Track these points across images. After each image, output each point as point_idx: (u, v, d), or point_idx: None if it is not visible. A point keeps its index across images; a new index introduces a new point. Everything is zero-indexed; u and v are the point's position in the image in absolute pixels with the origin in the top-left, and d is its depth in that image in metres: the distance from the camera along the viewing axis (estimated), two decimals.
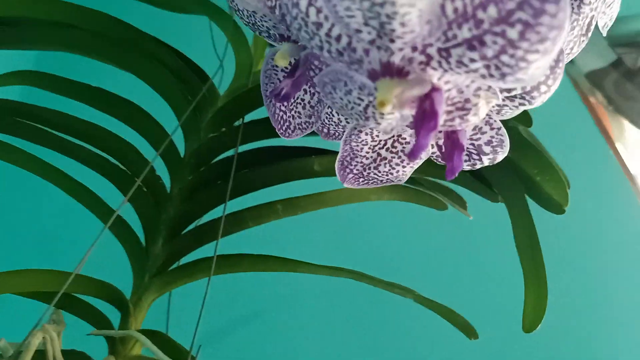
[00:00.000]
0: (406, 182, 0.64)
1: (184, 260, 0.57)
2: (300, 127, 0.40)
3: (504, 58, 0.23)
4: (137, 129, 0.62)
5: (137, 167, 0.59)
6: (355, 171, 0.39)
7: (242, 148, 0.62)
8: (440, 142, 0.37)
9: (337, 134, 0.49)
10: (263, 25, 0.37)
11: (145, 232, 0.57)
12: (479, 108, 0.29)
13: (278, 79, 0.40)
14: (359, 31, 0.25)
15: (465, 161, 0.38)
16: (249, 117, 0.64)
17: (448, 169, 0.34)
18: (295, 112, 0.40)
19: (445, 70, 0.25)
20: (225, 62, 0.81)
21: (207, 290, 0.53)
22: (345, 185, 0.40)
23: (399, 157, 0.38)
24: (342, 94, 0.29)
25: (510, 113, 0.35)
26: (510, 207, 0.52)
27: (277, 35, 0.36)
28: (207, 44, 0.85)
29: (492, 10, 0.22)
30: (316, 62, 0.33)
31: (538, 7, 0.21)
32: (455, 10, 0.23)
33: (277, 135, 0.64)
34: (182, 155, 0.62)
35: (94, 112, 0.62)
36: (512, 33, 0.22)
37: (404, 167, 0.38)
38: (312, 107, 0.39)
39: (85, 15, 0.58)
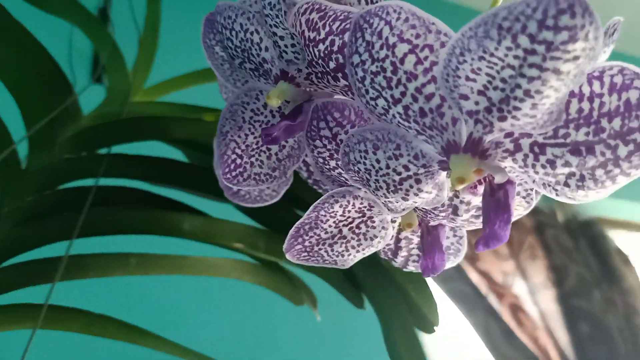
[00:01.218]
0: (269, 267, 0.60)
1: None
2: (258, 178, 0.35)
3: (599, 172, 0.23)
4: None
5: None
6: (307, 243, 0.34)
7: (103, 181, 0.52)
8: (403, 234, 0.35)
9: (247, 196, 0.44)
10: (259, 55, 0.32)
11: None
12: None
13: (243, 117, 0.35)
14: (464, 97, 0.23)
15: (414, 261, 0.37)
16: (116, 150, 0.54)
17: (426, 267, 0.32)
18: (256, 159, 0.35)
19: (523, 167, 0.24)
20: (83, 81, 0.70)
21: (28, 346, 0.40)
22: (287, 255, 0.35)
23: (358, 240, 0.35)
24: (384, 157, 0.26)
25: (469, 227, 0.36)
26: (384, 318, 0.52)
27: (277, 73, 0.32)
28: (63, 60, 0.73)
29: (616, 123, 0.22)
30: (337, 115, 0.29)
31: None
32: (580, 111, 0.22)
33: (147, 178, 0.56)
34: (22, 168, 0.50)
35: None
36: (622, 151, 0.22)
37: (357, 251, 0.35)
38: (279, 160, 0.35)
39: None
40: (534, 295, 1.22)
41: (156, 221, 0.52)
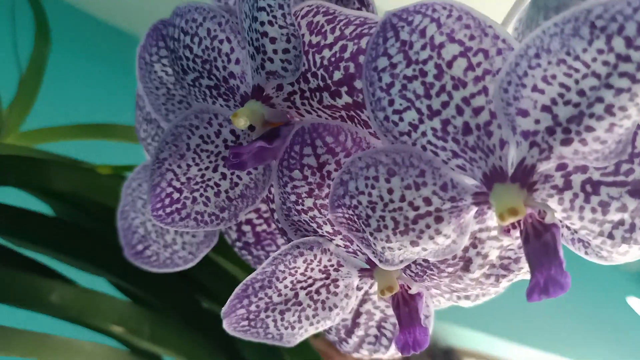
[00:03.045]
0: None
1: None
2: (200, 218, 0.28)
3: None
4: None
5: None
6: (253, 307, 0.27)
7: None
8: (365, 307, 0.30)
9: (154, 258, 0.36)
10: (225, 69, 0.27)
11: None
12: (516, 275, 0.24)
13: (188, 144, 0.28)
14: (523, 113, 0.19)
15: (370, 343, 0.30)
16: None
17: (405, 343, 0.26)
18: (200, 195, 0.28)
19: (568, 210, 0.21)
20: None
21: None
22: (225, 322, 0.27)
23: (315, 309, 0.28)
24: (400, 185, 0.21)
25: (443, 304, 0.31)
26: None
27: (246, 91, 0.26)
28: None
29: None
30: (329, 139, 0.24)
31: None
32: None
33: (9, 234, 0.44)
34: None
35: None
36: None
37: (310, 324, 0.28)
38: (229, 199, 0.28)
39: None
40: None
41: (15, 286, 0.41)
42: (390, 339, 0.30)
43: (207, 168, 0.28)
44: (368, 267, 0.27)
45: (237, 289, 0.27)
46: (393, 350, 0.31)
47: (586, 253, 0.22)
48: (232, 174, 0.28)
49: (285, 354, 0.49)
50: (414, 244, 0.22)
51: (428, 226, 0.22)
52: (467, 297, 0.30)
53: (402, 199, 0.21)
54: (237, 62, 0.27)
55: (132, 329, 0.45)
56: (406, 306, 0.27)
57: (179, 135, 0.28)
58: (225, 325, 0.27)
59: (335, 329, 0.30)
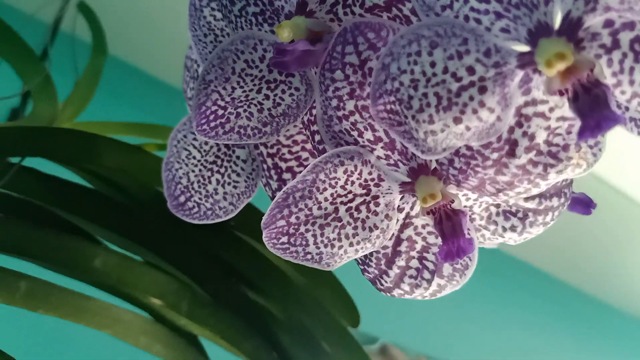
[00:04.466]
0: (186, 340, 0.48)
1: None
2: (243, 132, 0.28)
3: None
4: None
5: None
6: (293, 219, 0.27)
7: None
8: (407, 233, 0.29)
9: (195, 209, 0.36)
10: None
11: None
12: (567, 166, 0.23)
13: (233, 68, 0.29)
14: None
15: (411, 277, 0.29)
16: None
17: (449, 252, 0.25)
18: (244, 111, 0.28)
19: (617, 73, 0.20)
20: None
21: None
22: (265, 234, 0.27)
23: (354, 228, 0.27)
24: (443, 56, 0.21)
25: (489, 240, 0.30)
26: None
27: (290, 10, 0.27)
28: None
29: None
30: (371, 35, 0.24)
31: None
32: None
33: (57, 203, 0.45)
34: None
35: None
36: None
37: (350, 244, 0.28)
38: (272, 116, 0.28)
39: None
40: None
41: (62, 248, 0.41)
42: (432, 272, 0.29)
43: (251, 90, 0.29)
44: (409, 180, 0.27)
45: (277, 198, 0.26)
46: (435, 287, 0.29)
47: (639, 133, 0.21)
48: (275, 95, 0.29)
49: (323, 341, 0.48)
50: (457, 120, 0.22)
51: (472, 98, 0.21)
52: (513, 229, 0.29)
53: (445, 70, 0.21)
54: None
55: (170, 303, 0.45)
56: (449, 221, 0.26)
57: (225, 59, 0.29)
58: (265, 238, 0.27)
59: (376, 258, 0.29)
